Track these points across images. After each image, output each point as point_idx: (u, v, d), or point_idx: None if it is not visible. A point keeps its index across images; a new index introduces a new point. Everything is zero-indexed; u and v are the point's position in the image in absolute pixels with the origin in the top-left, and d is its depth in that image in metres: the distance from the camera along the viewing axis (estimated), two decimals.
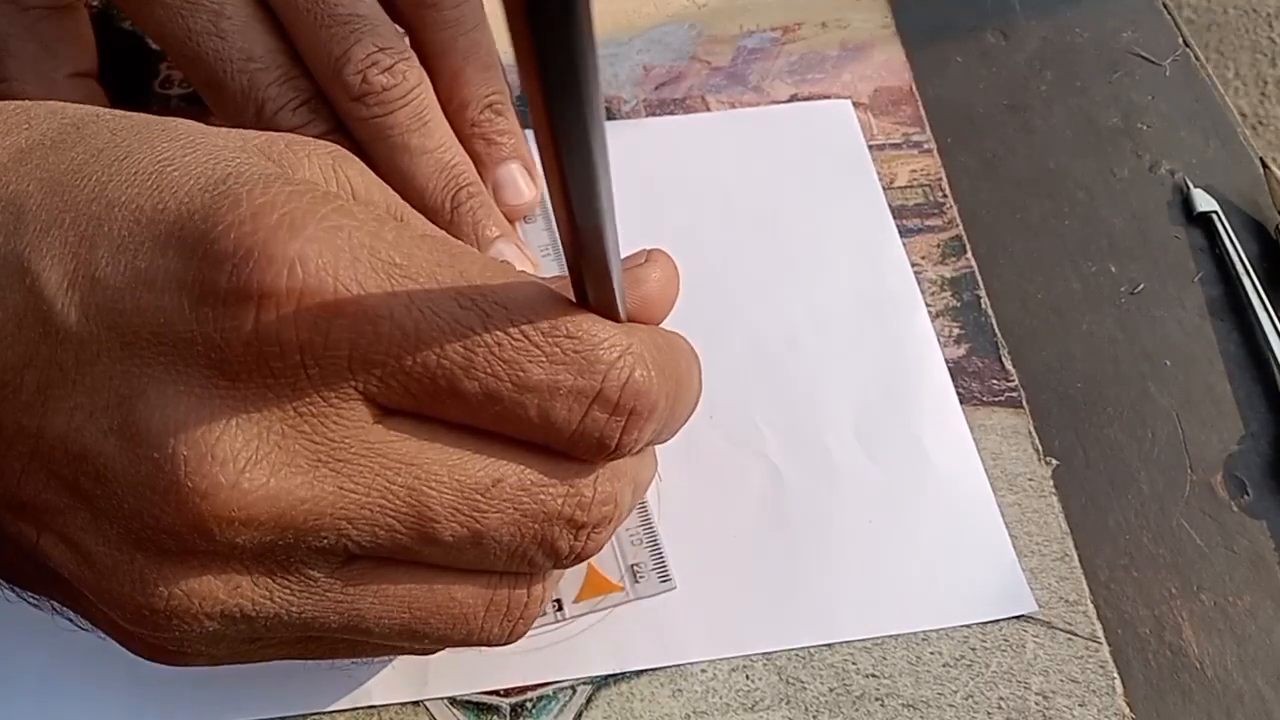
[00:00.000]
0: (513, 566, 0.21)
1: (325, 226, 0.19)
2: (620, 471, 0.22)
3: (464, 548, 0.20)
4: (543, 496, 0.21)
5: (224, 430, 0.18)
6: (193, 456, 0.18)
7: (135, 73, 0.35)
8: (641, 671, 0.27)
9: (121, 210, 0.19)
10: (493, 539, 0.20)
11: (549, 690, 0.26)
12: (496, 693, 0.26)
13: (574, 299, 0.20)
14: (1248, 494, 0.30)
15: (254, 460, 0.18)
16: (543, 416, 0.20)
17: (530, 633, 0.26)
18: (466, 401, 0.19)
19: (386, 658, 0.26)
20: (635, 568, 0.28)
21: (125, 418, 0.18)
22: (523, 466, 0.21)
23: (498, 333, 0.19)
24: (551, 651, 0.27)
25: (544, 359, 0.20)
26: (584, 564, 0.28)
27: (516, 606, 0.22)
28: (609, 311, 0.21)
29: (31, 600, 0.22)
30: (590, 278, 0.19)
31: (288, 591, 0.20)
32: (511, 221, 0.33)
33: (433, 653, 0.25)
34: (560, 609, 0.27)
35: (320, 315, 0.18)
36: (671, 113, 0.37)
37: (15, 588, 0.22)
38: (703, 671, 0.27)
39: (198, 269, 0.18)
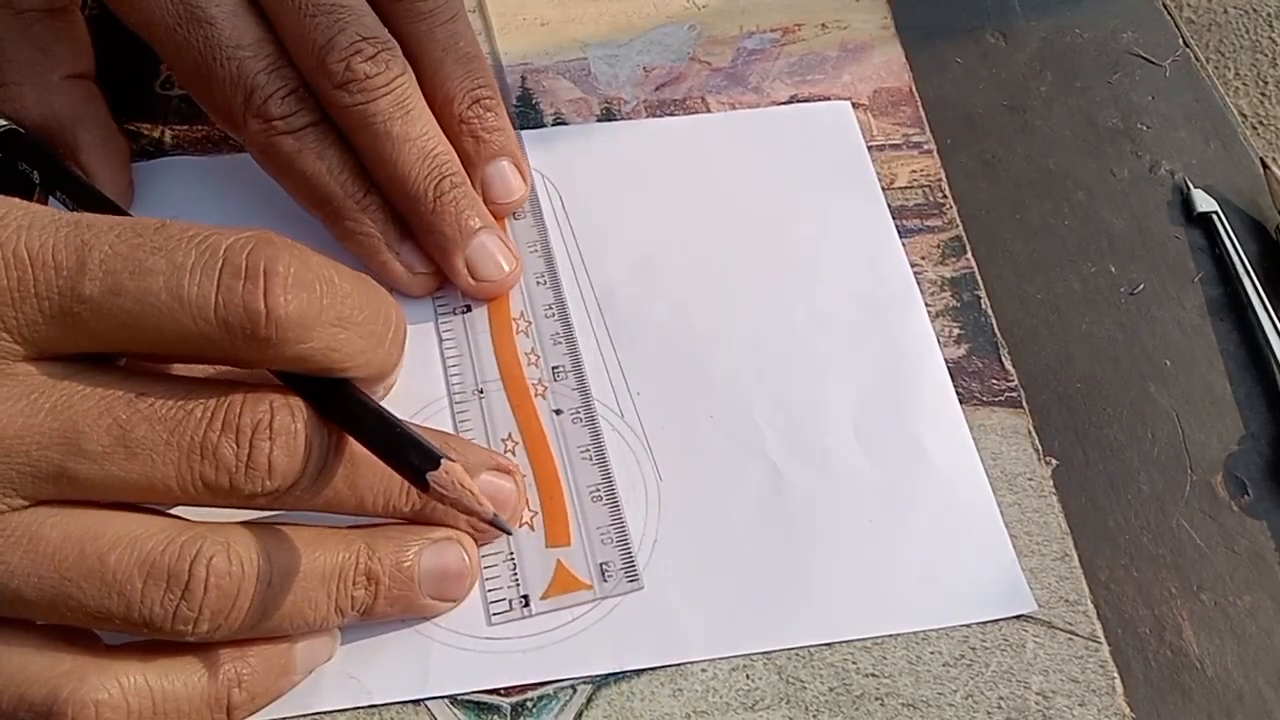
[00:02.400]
0: (180, 489, 0.22)
1: None
2: (267, 393, 0.23)
3: (119, 459, 0.21)
4: (190, 404, 0.22)
5: None
6: None
7: (135, 74, 0.35)
8: (641, 671, 0.27)
9: None
10: (146, 448, 0.21)
11: (549, 690, 0.26)
12: (497, 692, 0.26)
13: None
14: (1248, 494, 0.30)
15: None
16: (175, 298, 0.21)
17: (505, 627, 0.27)
18: (94, 308, 0.21)
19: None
20: (604, 566, 0.28)
21: None
22: (174, 384, 0.22)
23: (110, 235, 0.21)
24: (551, 651, 0.27)
25: (160, 249, 0.21)
26: (552, 561, 0.28)
27: (178, 577, 0.22)
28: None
29: None
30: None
31: None
32: (499, 219, 0.33)
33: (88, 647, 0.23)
34: (526, 605, 0.27)
35: None
36: (671, 113, 0.37)
37: None
38: (703, 671, 0.27)
39: None
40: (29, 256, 0.20)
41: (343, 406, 0.24)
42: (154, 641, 0.23)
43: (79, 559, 0.21)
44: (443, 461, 0.23)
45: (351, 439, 0.24)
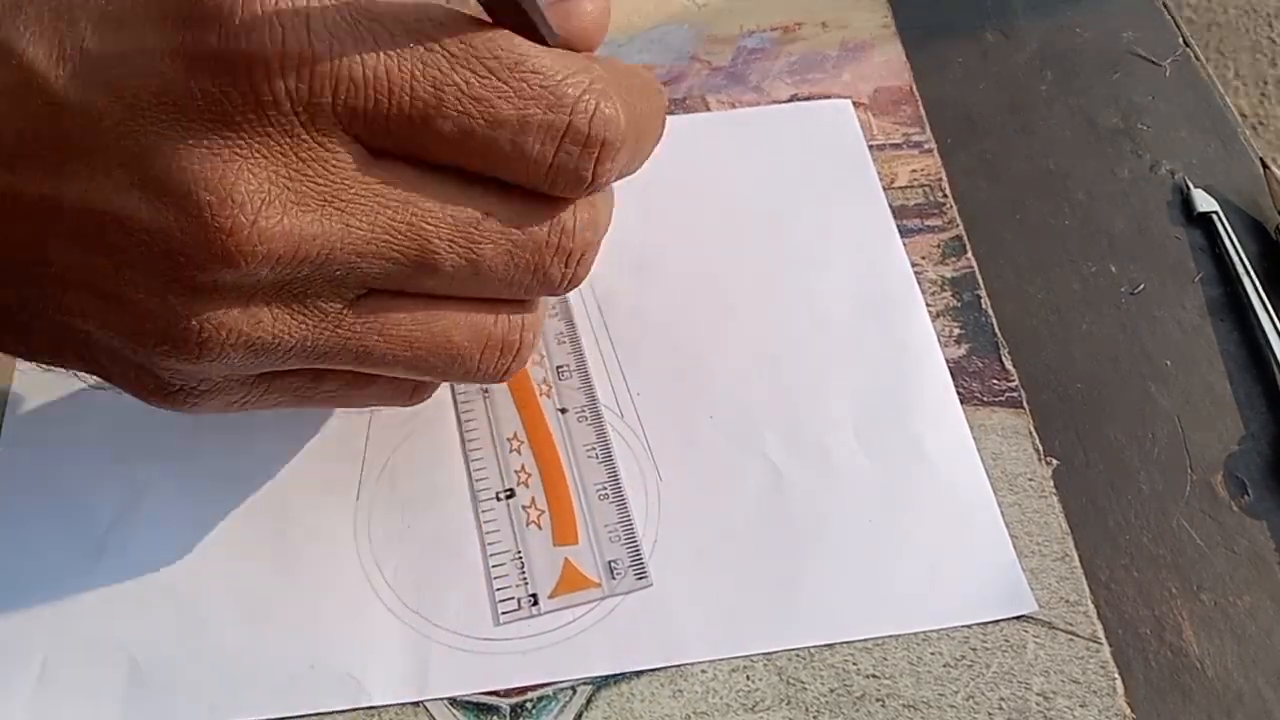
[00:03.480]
0: (511, 294, 0.24)
1: None
2: (593, 201, 0.24)
3: (464, 278, 0.23)
4: (531, 227, 0.23)
5: (238, 176, 0.20)
6: (215, 200, 0.20)
7: None
8: (641, 671, 0.27)
9: None
10: (489, 269, 0.23)
11: (549, 690, 0.26)
12: (496, 693, 0.26)
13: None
14: (1248, 494, 0.30)
15: (268, 201, 0.20)
16: (517, 151, 0.21)
17: (507, 628, 0.27)
18: (445, 140, 0.21)
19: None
20: (612, 564, 0.28)
21: (143, 173, 0.20)
22: (510, 201, 0.23)
23: (465, 72, 0.21)
24: (551, 652, 0.27)
25: (512, 95, 0.21)
26: (561, 559, 0.28)
27: (511, 345, 0.24)
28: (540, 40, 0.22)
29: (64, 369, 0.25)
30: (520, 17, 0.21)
31: (304, 324, 0.22)
32: None
33: (423, 397, 0.27)
34: (535, 603, 0.27)
35: (301, 66, 0.20)
36: (672, 113, 0.37)
37: (45, 358, 0.24)
38: (703, 672, 0.27)
39: (186, 35, 0.20)
40: (389, 84, 0.20)
41: None
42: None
43: (428, 339, 0.23)
44: None
45: None
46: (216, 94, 0.20)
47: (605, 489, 0.29)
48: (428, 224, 0.22)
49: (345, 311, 0.22)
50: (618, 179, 0.25)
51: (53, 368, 0.24)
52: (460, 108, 0.21)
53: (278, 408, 0.25)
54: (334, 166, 0.21)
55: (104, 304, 0.21)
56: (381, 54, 0.20)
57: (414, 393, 0.26)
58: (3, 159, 0.21)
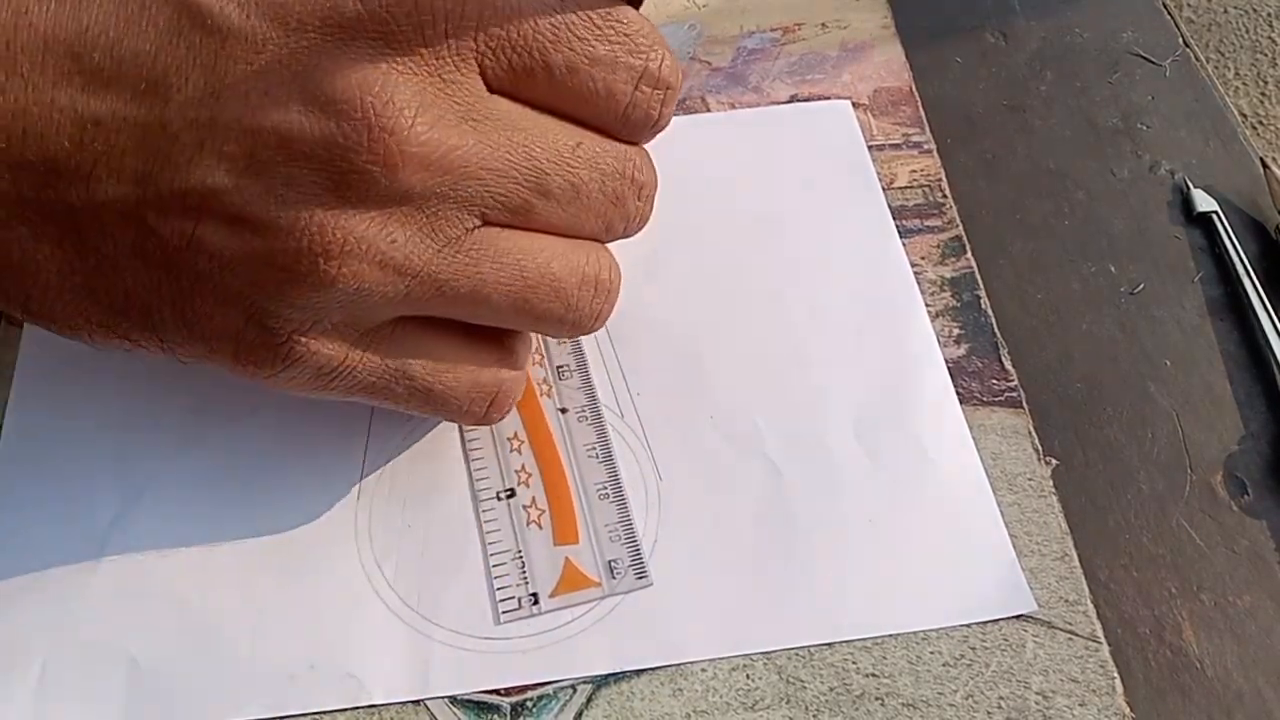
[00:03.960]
0: (598, 226, 0.26)
1: None
2: (645, 152, 0.27)
3: (567, 201, 0.25)
4: (612, 156, 0.25)
5: (396, 85, 0.22)
6: (378, 102, 0.22)
7: None
8: (641, 671, 0.27)
9: None
10: (585, 193, 0.25)
11: (549, 690, 0.26)
12: (496, 692, 0.26)
13: None
14: (1248, 494, 0.30)
15: (422, 108, 0.22)
16: (606, 89, 0.25)
17: (508, 627, 0.27)
18: (552, 75, 0.24)
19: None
20: (613, 564, 0.28)
21: (306, 86, 0.22)
22: (594, 134, 0.25)
23: (573, 15, 0.24)
24: (551, 651, 0.27)
25: (606, 39, 0.24)
26: (561, 559, 0.28)
27: (603, 284, 0.26)
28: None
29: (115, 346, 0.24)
30: None
31: (430, 246, 0.23)
32: None
33: (500, 413, 0.28)
34: (536, 603, 0.27)
35: None
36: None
37: (103, 335, 0.24)
38: (703, 671, 0.27)
39: None
40: (521, 16, 0.23)
41: None
42: None
43: (535, 269, 0.25)
44: None
45: None
46: (382, 13, 0.22)
47: (605, 488, 0.29)
48: (537, 148, 0.24)
49: (465, 238, 0.24)
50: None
51: (97, 342, 0.25)
52: (570, 46, 0.24)
53: (364, 395, 0.25)
54: (468, 90, 0.23)
55: (238, 232, 0.22)
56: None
57: (491, 405, 0.27)
58: (158, 90, 0.22)
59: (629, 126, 0.26)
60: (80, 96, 0.22)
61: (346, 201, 0.22)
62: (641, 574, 0.28)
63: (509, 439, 0.30)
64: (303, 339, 0.24)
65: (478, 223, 0.24)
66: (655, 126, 0.26)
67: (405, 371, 0.25)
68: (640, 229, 0.27)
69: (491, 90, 0.24)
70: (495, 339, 0.27)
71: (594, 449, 0.30)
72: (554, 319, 0.26)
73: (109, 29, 0.22)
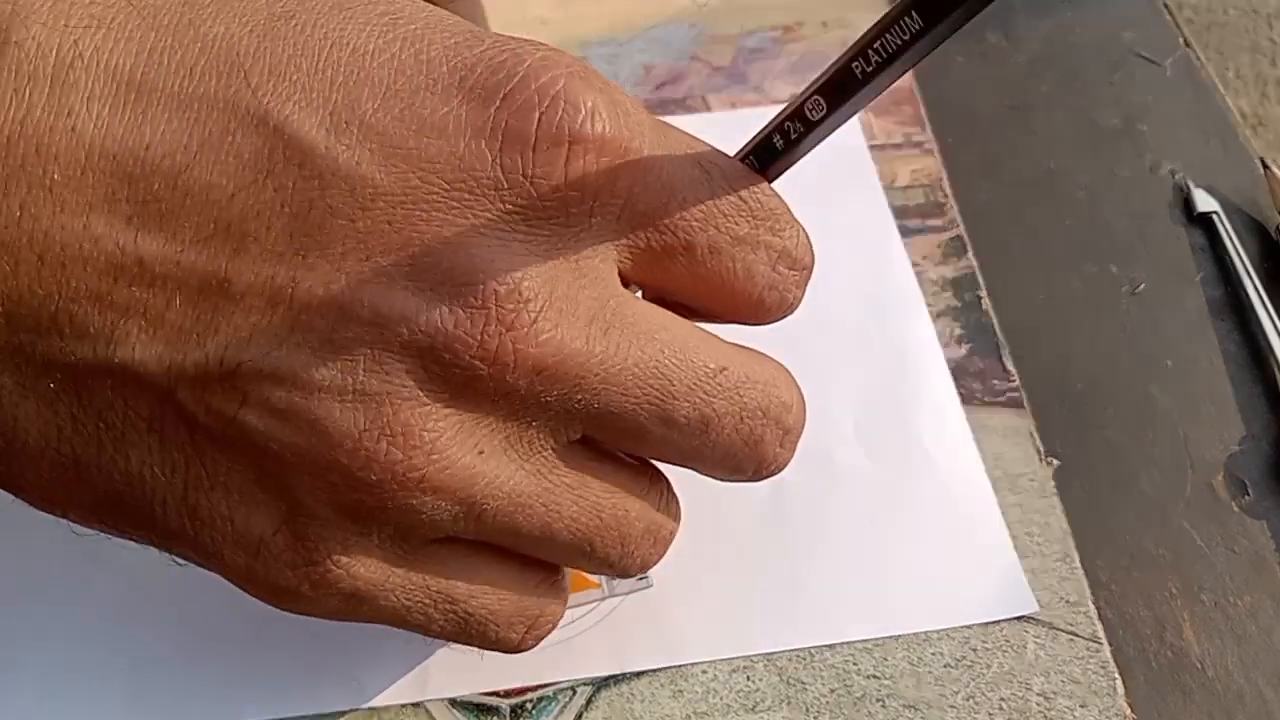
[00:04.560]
0: (722, 468, 0.22)
1: (601, 82, 0.19)
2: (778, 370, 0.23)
3: (692, 434, 0.21)
4: (761, 389, 0.22)
5: (526, 272, 0.18)
6: (502, 290, 0.18)
7: None
8: (642, 672, 0.27)
9: (375, 59, 0.18)
10: (717, 429, 0.21)
11: (549, 691, 0.26)
12: (496, 693, 0.26)
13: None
14: (1248, 494, 0.30)
15: (549, 304, 0.18)
16: (746, 271, 0.21)
17: None
18: (693, 254, 0.20)
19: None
20: None
21: (420, 259, 0.18)
22: (744, 356, 0.22)
23: (722, 193, 0.21)
24: (551, 652, 0.27)
25: (751, 216, 0.21)
26: None
27: (664, 538, 0.23)
28: None
29: (129, 538, 0.21)
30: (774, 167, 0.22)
31: (518, 467, 0.20)
32: None
33: (536, 639, 0.24)
34: None
35: (615, 159, 0.19)
36: (672, 113, 0.37)
37: (118, 527, 0.20)
38: (703, 672, 0.27)
39: (499, 116, 0.18)
40: (670, 190, 0.20)
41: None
42: None
43: (611, 510, 0.21)
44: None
45: None
46: (524, 184, 0.18)
47: None
48: (672, 364, 0.20)
49: (554, 460, 0.20)
50: None
51: (76, 522, 0.21)
52: (716, 225, 0.21)
53: (390, 621, 0.22)
54: (603, 286, 0.20)
55: (295, 423, 0.18)
56: (670, 163, 0.20)
57: (529, 632, 0.23)
58: (229, 237, 0.17)
59: (760, 310, 0.22)
60: (124, 229, 0.17)
61: (437, 401, 0.18)
62: (641, 575, 0.28)
63: None
64: (343, 559, 0.19)
65: (574, 437, 0.20)
66: (787, 311, 0.23)
67: (448, 595, 0.21)
68: (769, 477, 0.23)
69: (622, 278, 0.20)
70: (542, 561, 0.23)
71: None
72: (603, 564, 0.22)
73: (176, 151, 0.17)
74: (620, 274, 0.20)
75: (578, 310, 0.19)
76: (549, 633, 0.24)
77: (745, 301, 0.22)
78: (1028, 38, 0.40)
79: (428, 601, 0.21)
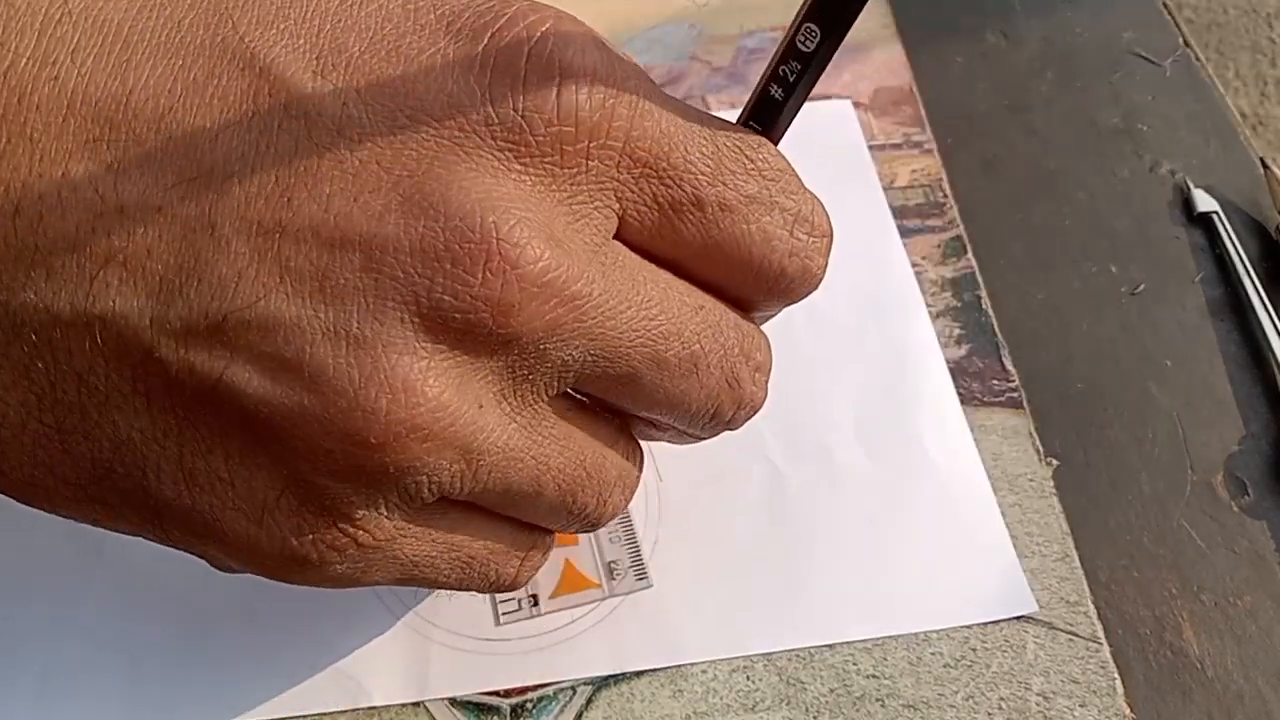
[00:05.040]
0: (704, 411, 0.21)
1: (588, 28, 0.19)
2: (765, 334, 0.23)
3: (681, 375, 0.20)
4: (734, 329, 0.21)
5: (525, 210, 0.18)
6: (502, 225, 0.17)
7: None
8: (641, 672, 0.27)
9: (363, 8, 0.18)
10: (704, 368, 0.21)
11: (549, 690, 0.26)
12: (496, 693, 0.26)
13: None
14: (1248, 494, 0.30)
15: (549, 245, 0.18)
16: (762, 233, 0.20)
17: (507, 628, 0.27)
18: (703, 210, 0.20)
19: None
20: (612, 565, 0.28)
21: (411, 194, 0.17)
22: (717, 301, 0.21)
23: (728, 148, 0.20)
24: (551, 652, 0.27)
25: (760, 177, 0.20)
26: (561, 560, 0.28)
27: (630, 484, 0.23)
28: None
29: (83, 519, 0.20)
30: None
31: (509, 420, 0.19)
32: None
33: (519, 582, 0.23)
34: (536, 604, 0.27)
35: (608, 96, 0.18)
36: None
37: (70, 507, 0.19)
38: (703, 672, 0.27)
39: (488, 54, 0.18)
40: (672, 144, 0.19)
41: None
42: None
43: (594, 460, 0.21)
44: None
45: None
46: (517, 119, 0.18)
47: None
48: (658, 309, 0.20)
49: (545, 410, 0.20)
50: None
51: (62, 510, 0.20)
52: (723, 180, 0.20)
53: (398, 580, 0.21)
54: (597, 229, 0.19)
55: (287, 379, 0.17)
56: (669, 110, 0.19)
57: (523, 563, 0.23)
58: (214, 180, 0.17)
59: (785, 281, 0.21)
60: (105, 175, 0.17)
61: (436, 353, 0.17)
62: (641, 575, 0.28)
63: None
64: (349, 524, 0.19)
65: (563, 389, 0.20)
66: (812, 282, 0.22)
67: (452, 544, 0.21)
68: (745, 420, 0.23)
69: (621, 235, 0.20)
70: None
71: None
72: (579, 517, 0.22)
73: (160, 95, 0.17)
74: (629, 239, 0.20)
75: (576, 252, 0.18)
76: (543, 563, 0.24)
77: (767, 270, 0.21)
78: (1028, 38, 0.40)
79: (435, 554, 0.21)
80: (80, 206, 0.17)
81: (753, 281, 0.21)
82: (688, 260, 0.20)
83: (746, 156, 0.20)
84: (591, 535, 0.28)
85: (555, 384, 0.19)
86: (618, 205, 0.19)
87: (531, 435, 0.20)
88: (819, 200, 0.21)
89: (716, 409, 0.22)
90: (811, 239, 0.21)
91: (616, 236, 0.20)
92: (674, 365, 0.20)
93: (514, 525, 0.22)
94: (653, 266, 0.20)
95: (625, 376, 0.20)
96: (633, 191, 0.19)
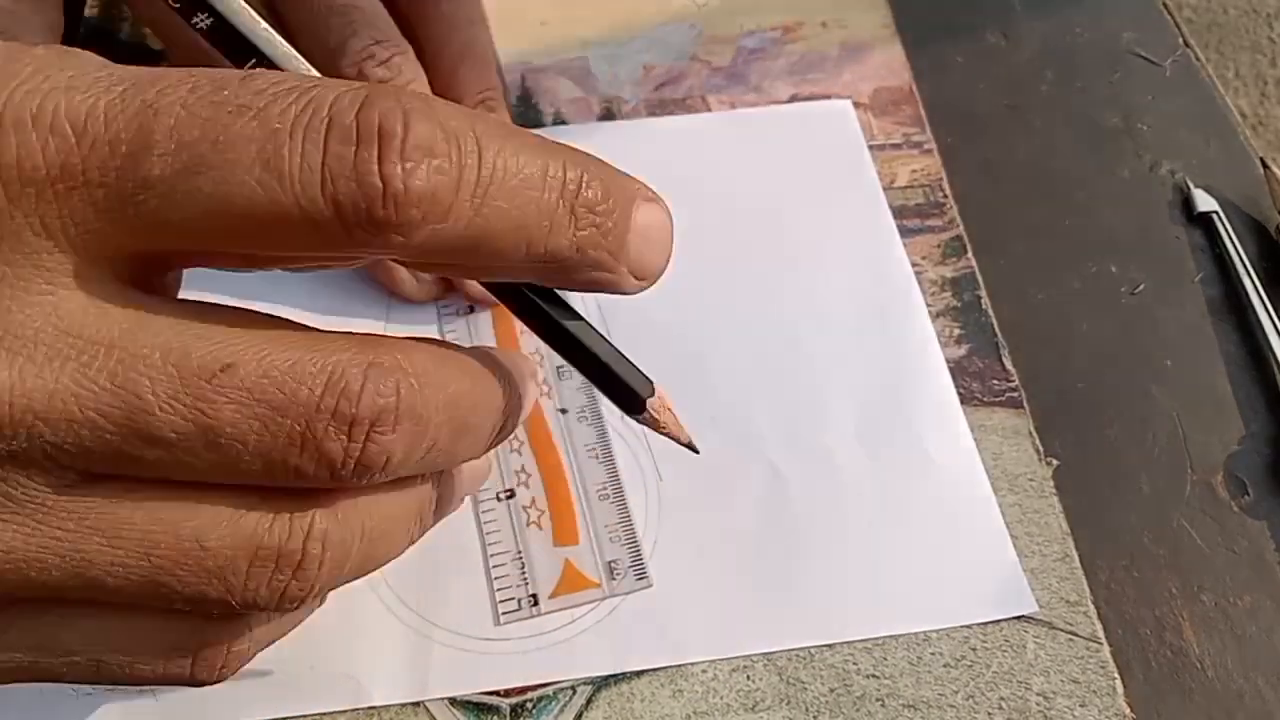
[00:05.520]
0: (275, 478, 0.18)
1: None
2: (404, 361, 0.18)
3: (196, 450, 0.17)
4: (291, 383, 0.17)
5: None
6: None
7: None
8: (641, 671, 0.27)
9: None
10: (231, 437, 0.17)
11: (549, 690, 0.26)
12: (496, 693, 0.26)
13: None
14: (1248, 494, 0.30)
15: None
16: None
17: (508, 628, 0.27)
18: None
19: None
20: (612, 564, 0.28)
21: None
22: (266, 347, 0.17)
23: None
24: (551, 651, 0.27)
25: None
26: (560, 560, 0.28)
27: (290, 555, 0.18)
28: None
29: None
30: None
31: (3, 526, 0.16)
32: None
33: (212, 673, 0.20)
34: (536, 604, 0.27)
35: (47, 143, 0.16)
36: (671, 113, 0.37)
37: None
38: (703, 672, 0.27)
39: None
40: (73, 127, 0.16)
41: (551, 317, 0.21)
42: None
43: (173, 542, 0.17)
44: (656, 389, 0.21)
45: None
46: None
47: (606, 489, 0.29)
48: (137, 373, 0.16)
49: (55, 502, 0.17)
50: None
51: None
52: (179, 135, 0.16)
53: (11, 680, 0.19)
54: (19, 299, 0.16)
55: None
56: (65, 97, 0.16)
57: (197, 658, 0.19)
58: None
59: (347, 225, 0.17)
60: None
61: None
62: (641, 575, 0.28)
63: (508, 439, 0.30)
64: None
65: (70, 479, 0.17)
66: (405, 229, 0.17)
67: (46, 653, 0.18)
68: (369, 476, 0.18)
69: (82, 267, 0.16)
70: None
71: (594, 449, 0.30)
72: (215, 603, 0.18)
73: None
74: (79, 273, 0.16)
75: (21, 340, 0.16)
76: (237, 666, 0.20)
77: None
78: (1027, 37, 0.40)
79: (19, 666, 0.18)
80: None
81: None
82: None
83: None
84: (592, 535, 0.28)
85: (45, 480, 0.17)
86: (62, 252, 0.16)
87: (43, 530, 0.17)
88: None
89: (294, 471, 0.17)
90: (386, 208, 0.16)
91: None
92: (175, 439, 0.17)
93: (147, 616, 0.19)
94: (131, 326, 0.17)
95: (119, 457, 0.17)
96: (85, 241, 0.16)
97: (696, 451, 0.23)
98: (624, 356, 0.22)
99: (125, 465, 0.17)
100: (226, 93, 0.16)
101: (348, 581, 0.20)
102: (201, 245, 0.17)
